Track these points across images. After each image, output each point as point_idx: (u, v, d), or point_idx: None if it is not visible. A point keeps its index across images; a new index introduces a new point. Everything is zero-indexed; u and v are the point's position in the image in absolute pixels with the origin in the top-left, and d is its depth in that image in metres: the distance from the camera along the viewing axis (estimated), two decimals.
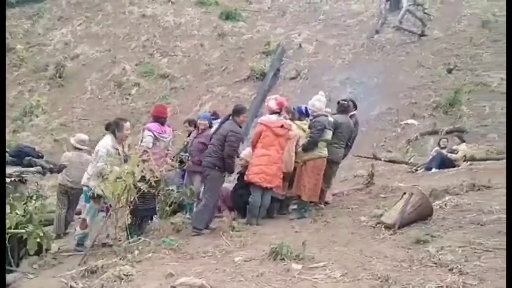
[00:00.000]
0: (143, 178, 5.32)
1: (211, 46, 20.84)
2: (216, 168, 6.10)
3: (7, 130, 17.11)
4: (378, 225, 5.39)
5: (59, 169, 7.29)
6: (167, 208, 6.85)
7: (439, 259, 3.97)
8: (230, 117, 6.32)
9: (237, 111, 6.32)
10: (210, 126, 7.87)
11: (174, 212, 7.07)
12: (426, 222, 5.24)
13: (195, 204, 7.60)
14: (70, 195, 7.76)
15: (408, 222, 5.21)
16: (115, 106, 18.22)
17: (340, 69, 19.04)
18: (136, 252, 4.90)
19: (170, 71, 19.49)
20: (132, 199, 5.30)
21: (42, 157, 7.01)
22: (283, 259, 4.29)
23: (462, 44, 19.09)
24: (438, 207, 5.70)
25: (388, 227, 5.21)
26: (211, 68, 19.76)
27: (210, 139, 6.36)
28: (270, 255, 4.41)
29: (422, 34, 20.07)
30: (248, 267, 4.22)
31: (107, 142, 6.01)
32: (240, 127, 6.30)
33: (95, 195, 5.80)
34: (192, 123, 8.17)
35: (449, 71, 17.77)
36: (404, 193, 5.48)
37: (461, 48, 18.91)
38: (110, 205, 5.26)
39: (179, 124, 10.00)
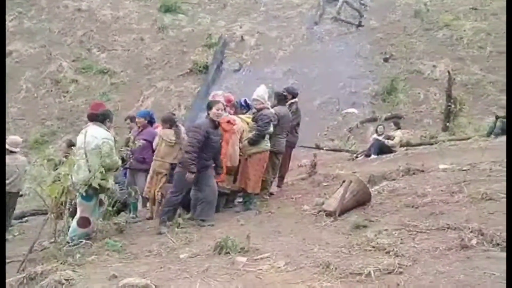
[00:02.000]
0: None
1: (152, 39, 20.49)
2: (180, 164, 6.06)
3: None
4: (320, 213, 5.54)
5: None
6: (110, 208, 6.68)
7: (377, 243, 4.14)
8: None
9: (208, 105, 6.16)
10: (151, 123, 7.77)
11: (117, 212, 6.91)
12: (365, 207, 5.46)
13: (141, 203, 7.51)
14: (6, 200, 7.43)
15: (348, 209, 5.40)
16: (53, 104, 17.56)
17: (282, 61, 19.29)
18: (78, 255, 4.76)
19: (109, 66, 19.02)
20: (71, 201, 5.14)
21: None
22: (228, 253, 4.33)
23: (397, 34, 19.84)
24: (376, 192, 5.94)
25: (329, 214, 5.37)
26: (152, 62, 19.45)
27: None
28: (216, 250, 4.43)
29: (359, 25, 20.69)
30: (194, 263, 4.22)
31: (104, 132, 5.61)
32: (214, 121, 6.04)
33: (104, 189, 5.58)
34: (133, 119, 8.03)
35: (386, 60, 18.47)
36: (344, 181, 5.67)
37: (396, 38, 19.66)
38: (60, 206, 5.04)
39: (121, 121, 9.77)
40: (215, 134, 6.04)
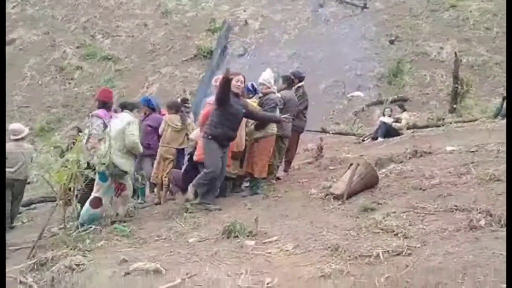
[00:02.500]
0: (90, 166, 5.22)
1: (155, 25, 20.33)
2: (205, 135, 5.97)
3: None
4: (327, 196, 5.53)
5: None
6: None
7: (385, 225, 4.14)
8: None
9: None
10: (153, 109, 7.76)
11: None
12: (373, 190, 5.46)
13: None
14: (13, 188, 7.49)
15: (355, 192, 5.39)
16: (58, 92, 17.55)
17: (287, 44, 19.12)
18: (88, 241, 4.80)
19: (113, 52, 18.91)
20: (79, 188, 5.16)
21: None
22: (237, 236, 4.35)
23: (402, 15, 19.60)
24: (383, 175, 5.93)
25: (336, 197, 5.37)
26: (156, 48, 19.32)
27: None
28: (224, 234, 4.45)
29: (365, 7, 20.43)
30: (203, 247, 4.25)
31: (131, 117, 5.87)
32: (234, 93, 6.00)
33: (121, 172, 5.69)
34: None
35: (391, 42, 18.28)
36: (351, 164, 5.65)
37: (401, 19, 19.42)
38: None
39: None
40: (236, 102, 5.98)
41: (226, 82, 5.74)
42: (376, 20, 19.68)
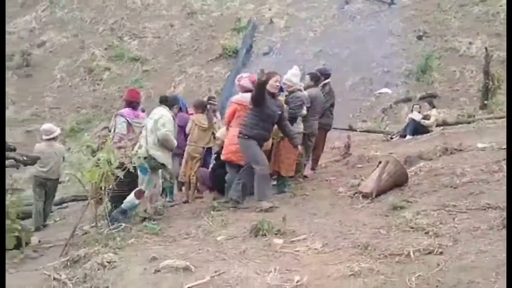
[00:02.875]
0: (120, 165, 5.30)
1: (181, 25, 20.51)
2: (241, 135, 5.86)
3: None
4: (356, 194, 5.49)
5: (33, 161, 7.18)
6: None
7: (416, 223, 4.08)
8: None
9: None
10: (181, 108, 7.82)
11: None
12: (402, 188, 5.38)
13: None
14: (46, 187, 7.69)
15: (384, 190, 5.33)
16: (87, 93, 17.90)
17: (312, 42, 19.02)
18: (118, 238, 4.87)
19: (141, 53, 19.18)
20: (110, 187, 5.26)
21: (14, 149, 6.86)
22: (265, 235, 4.35)
23: (430, 10, 19.24)
24: (413, 173, 5.84)
25: (365, 196, 5.32)
26: (182, 48, 19.49)
27: None
28: (252, 232, 4.46)
29: (392, 2, 20.15)
30: (231, 245, 4.27)
31: (165, 112, 6.04)
32: (271, 93, 5.97)
33: (158, 164, 5.86)
34: None
35: (419, 37, 17.97)
36: (380, 162, 5.58)
37: (429, 15, 19.07)
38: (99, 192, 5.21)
39: (154, 108, 9.88)
40: (273, 104, 5.92)
41: (261, 83, 5.66)
42: (403, 16, 19.38)
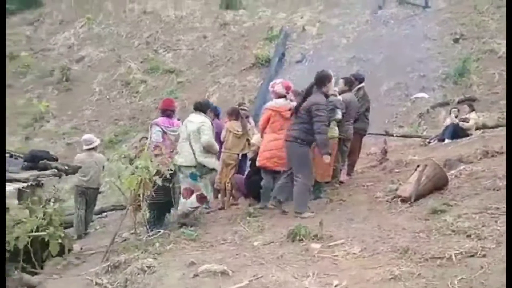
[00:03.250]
0: (157, 172, 5.39)
1: (214, 37, 20.77)
2: (298, 141, 5.70)
3: (18, 137, 17.39)
4: (394, 199, 5.39)
5: (74, 170, 7.39)
6: None
7: (457, 226, 3.97)
8: (314, 88, 5.85)
9: (320, 80, 5.87)
10: (217, 116, 7.89)
11: None
12: (442, 192, 5.25)
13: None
14: (87, 196, 7.89)
15: (424, 194, 5.21)
16: (124, 105, 18.32)
17: (345, 48, 18.89)
18: (157, 244, 4.95)
19: (175, 65, 19.50)
20: (148, 194, 5.35)
21: (56, 159, 7.10)
22: (302, 240, 4.32)
23: (466, 13, 18.84)
24: (453, 176, 5.69)
25: (404, 200, 5.21)
26: (215, 59, 19.72)
27: (294, 113, 5.91)
28: (289, 237, 4.44)
29: (426, 6, 19.85)
30: (268, 251, 4.26)
31: (204, 118, 6.11)
32: (327, 96, 5.95)
33: (209, 170, 6.01)
34: None
35: (456, 40, 17.58)
36: (418, 166, 5.47)
37: (466, 17, 18.67)
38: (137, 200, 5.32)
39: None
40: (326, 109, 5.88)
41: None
42: (439, 19, 19.02)
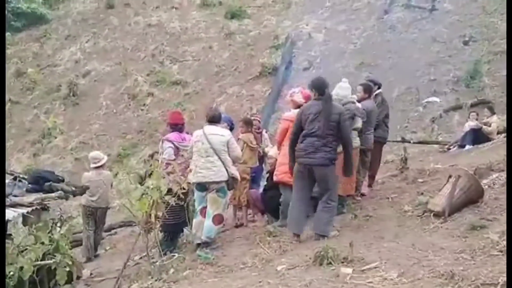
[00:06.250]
0: (170, 191, 5.06)
1: (220, 47, 20.59)
2: (333, 162, 5.22)
3: (27, 154, 17.23)
4: (425, 214, 5.00)
5: (82, 191, 7.08)
6: None
7: (504, 245, 3.59)
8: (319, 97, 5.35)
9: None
10: (231, 128, 7.56)
11: None
12: (478, 205, 4.85)
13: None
14: (96, 216, 7.57)
15: (458, 208, 4.81)
16: (132, 118, 18.13)
17: (353, 54, 18.62)
18: (171, 270, 4.61)
19: (181, 77, 19.32)
20: (161, 215, 5.01)
21: (62, 180, 6.81)
22: (330, 263, 3.94)
23: (475, 14, 18.55)
24: (486, 187, 5.29)
25: (437, 215, 4.82)
26: (222, 69, 19.52)
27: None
28: (316, 260, 4.05)
29: (433, 9, 19.54)
30: (294, 276, 3.89)
31: (226, 131, 5.94)
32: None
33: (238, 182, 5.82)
34: None
35: (466, 43, 17.27)
36: (450, 176, 5.08)
37: (474, 19, 18.39)
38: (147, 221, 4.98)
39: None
40: None
41: None
42: (447, 22, 18.71)
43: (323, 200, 5.21)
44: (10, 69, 21.20)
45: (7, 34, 22.11)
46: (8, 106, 19.42)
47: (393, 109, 14.79)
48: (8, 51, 21.95)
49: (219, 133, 5.71)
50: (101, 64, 20.50)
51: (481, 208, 4.75)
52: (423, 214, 5.03)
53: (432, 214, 4.88)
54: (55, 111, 18.88)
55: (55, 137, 17.70)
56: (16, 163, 16.89)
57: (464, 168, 5.60)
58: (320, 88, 5.41)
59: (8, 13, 22.79)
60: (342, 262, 3.93)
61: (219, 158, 5.54)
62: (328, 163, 5.15)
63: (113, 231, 9.86)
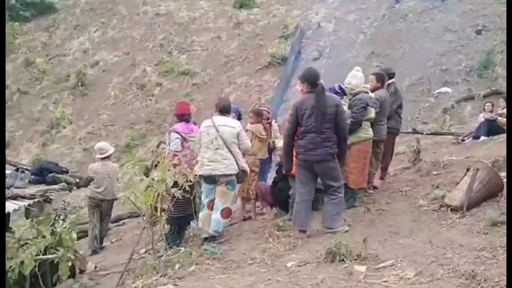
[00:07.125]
0: (176, 184, 4.89)
1: (228, 37, 20.38)
2: (335, 157, 5.04)
3: (35, 144, 17.23)
4: (441, 208, 4.80)
5: (86, 183, 6.94)
6: None
7: None
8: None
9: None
10: (239, 119, 7.38)
11: None
12: (497, 199, 4.63)
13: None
14: (101, 208, 7.44)
15: (476, 202, 4.60)
16: (140, 109, 18.05)
17: (363, 44, 18.34)
18: (177, 265, 4.45)
19: (190, 67, 19.15)
20: (166, 207, 4.84)
21: (66, 172, 6.66)
22: (343, 260, 3.77)
23: (487, 4, 18.16)
24: (505, 180, 5.06)
25: (454, 209, 4.62)
26: (230, 59, 19.33)
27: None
28: (327, 257, 3.88)
29: None
30: (305, 274, 3.72)
31: (237, 122, 5.75)
32: None
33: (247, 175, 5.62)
34: None
35: (478, 32, 16.89)
36: (468, 169, 4.87)
37: (487, 8, 18.00)
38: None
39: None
40: None
41: None
42: (459, 11, 18.32)
43: (329, 192, 5.06)
44: (18, 59, 21.22)
45: (16, 24, 22.11)
46: (16, 96, 19.44)
47: (404, 99, 14.32)
48: (16, 41, 21.93)
49: (229, 124, 5.50)
50: (109, 54, 20.39)
51: (501, 203, 4.54)
52: (439, 208, 4.82)
53: (449, 209, 4.68)
54: (64, 101, 18.85)
55: (64, 127, 17.68)
56: (25, 153, 16.94)
57: (482, 160, 5.37)
58: (311, 80, 5.16)
59: (17, 2, 22.77)
60: (355, 259, 3.76)
61: (229, 150, 5.34)
62: (329, 158, 4.99)
63: (121, 222, 9.75)
